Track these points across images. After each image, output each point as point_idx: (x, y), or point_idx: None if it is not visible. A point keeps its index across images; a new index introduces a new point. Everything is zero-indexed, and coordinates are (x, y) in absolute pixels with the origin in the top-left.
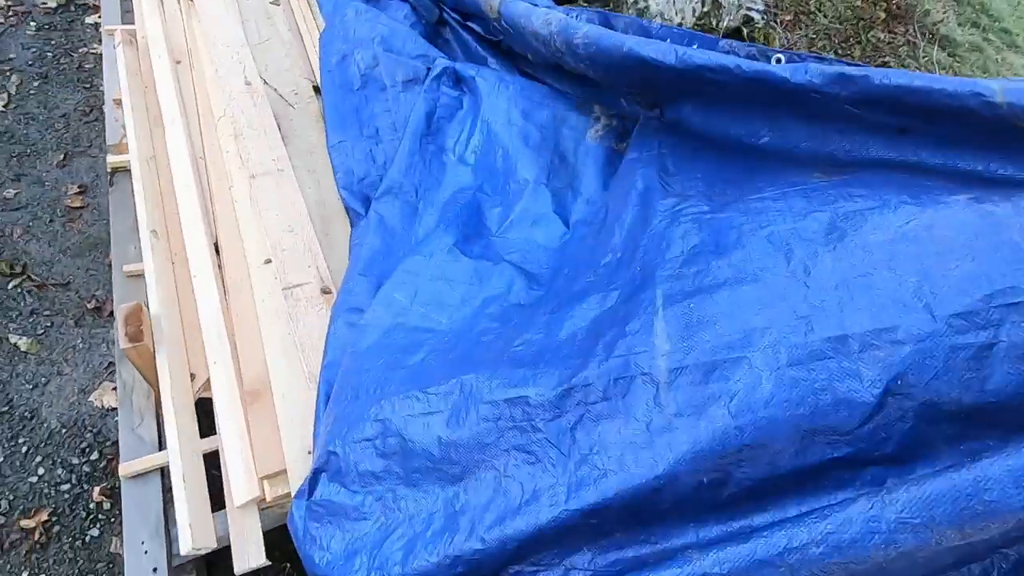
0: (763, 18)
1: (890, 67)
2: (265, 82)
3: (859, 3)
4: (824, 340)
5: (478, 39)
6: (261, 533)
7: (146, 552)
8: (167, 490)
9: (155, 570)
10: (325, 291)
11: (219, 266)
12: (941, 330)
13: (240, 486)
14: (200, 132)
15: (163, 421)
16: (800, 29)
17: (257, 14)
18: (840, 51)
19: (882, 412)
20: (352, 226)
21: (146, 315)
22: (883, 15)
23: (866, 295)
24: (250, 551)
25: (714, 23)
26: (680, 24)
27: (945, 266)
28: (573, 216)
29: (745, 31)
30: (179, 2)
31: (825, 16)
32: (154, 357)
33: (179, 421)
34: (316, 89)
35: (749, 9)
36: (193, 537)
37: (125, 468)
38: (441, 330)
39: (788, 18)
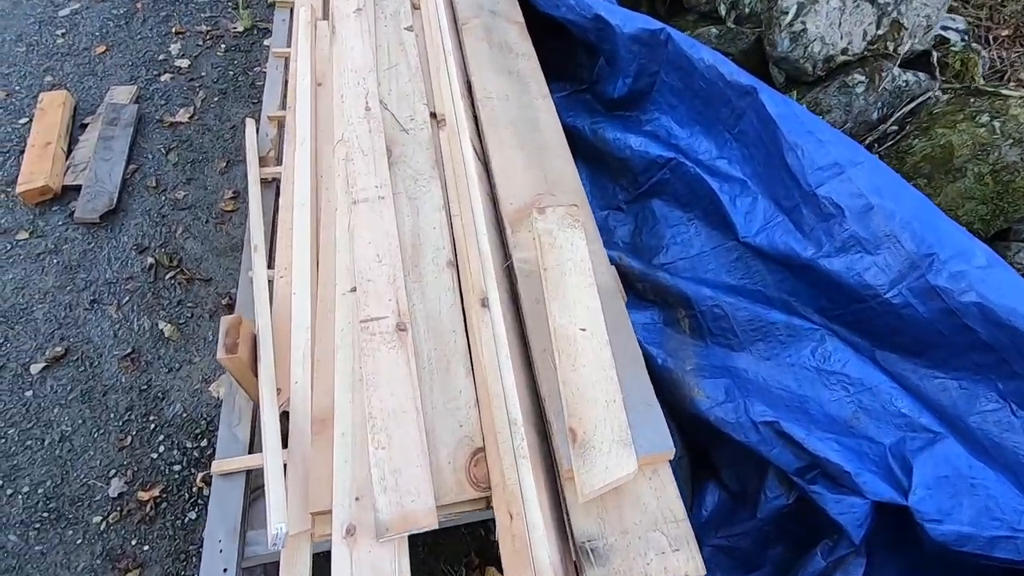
0: (963, 39)
1: None
2: (385, 107)
3: None
4: None
5: None
6: (310, 560)
7: (221, 551)
8: (253, 490)
9: (225, 571)
10: (401, 328)
11: (316, 287)
12: None
13: (294, 517)
14: (327, 154)
15: (258, 425)
16: (1020, 46)
17: (391, 40)
18: None
19: None
20: None
21: (248, 326)
22: None
23: None
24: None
25: (891, 48)
26: (845, 50)
27: None
28: None
29: (935, 55)
30: (330, 27)
31: None
32: (250, 367)
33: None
34: (433, 115)
35: (945, 28)
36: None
37: (217, 465)
38: None
39: (1005, 33)
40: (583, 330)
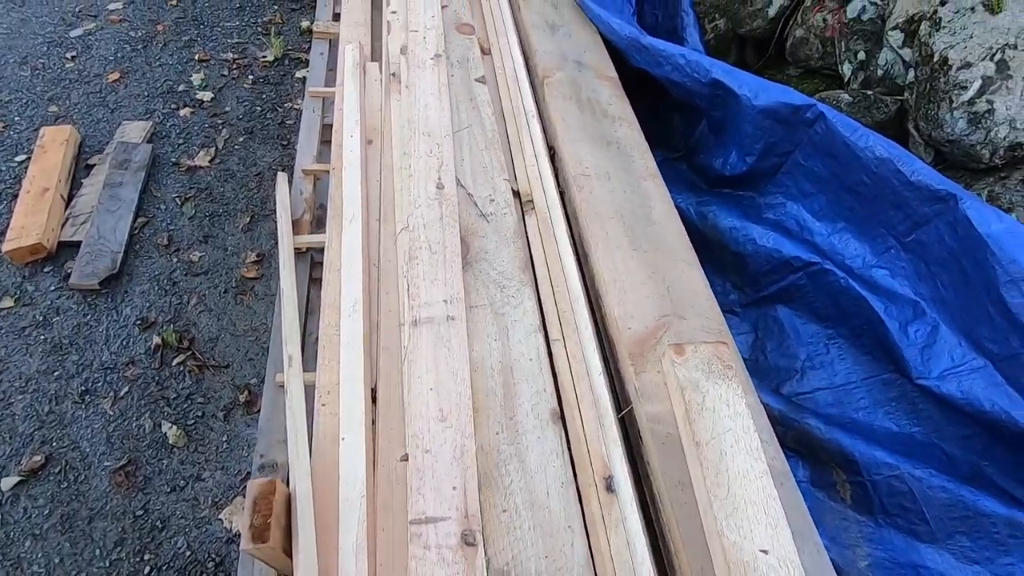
0: None
1: None
2: (459, 183)
3: None
4: None
5: None
6: None
7: None
8: None
9: None
10: (468, 542)
11: (374, 426)
12: None
13: None
14: (379, 237)
15: None
16: None
17: (460, 93)
18: None
19: None
20: None
21: (282, 492)
22: None
23: None
24: None
25: None
26: None
27: None
28: None
29: None
30: (380, 71)
31: None
32: (283, 548)
33: None
34: (515, 194)
35: None
36: None
37: None
38: None
39: None
40: (764, 553)
